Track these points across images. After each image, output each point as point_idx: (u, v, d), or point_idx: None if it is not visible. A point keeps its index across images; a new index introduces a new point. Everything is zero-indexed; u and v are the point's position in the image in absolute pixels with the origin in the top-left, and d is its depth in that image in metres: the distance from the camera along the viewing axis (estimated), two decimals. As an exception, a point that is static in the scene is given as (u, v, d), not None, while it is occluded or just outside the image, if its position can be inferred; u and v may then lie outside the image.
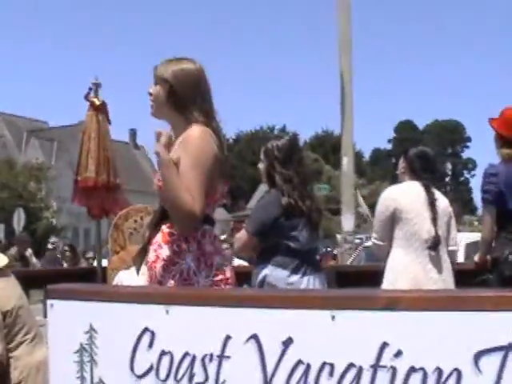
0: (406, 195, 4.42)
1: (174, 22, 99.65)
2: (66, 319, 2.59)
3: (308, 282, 3.92)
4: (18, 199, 35.53)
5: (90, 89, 6.35)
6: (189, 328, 2.29)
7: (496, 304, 1.87)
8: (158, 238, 2.92)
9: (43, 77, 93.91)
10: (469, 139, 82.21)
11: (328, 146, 64.52)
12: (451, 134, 79.10)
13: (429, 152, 4.71)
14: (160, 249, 2.89)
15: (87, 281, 5.60)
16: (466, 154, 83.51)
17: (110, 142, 6.44)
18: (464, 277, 4.42)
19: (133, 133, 65.38)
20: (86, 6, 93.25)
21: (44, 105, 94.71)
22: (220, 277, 2.89)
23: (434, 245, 4.29)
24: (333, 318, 2.03)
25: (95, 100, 6.29)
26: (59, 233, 40.28)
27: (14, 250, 12.31)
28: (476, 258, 4.62)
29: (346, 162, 10.54)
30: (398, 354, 1.93)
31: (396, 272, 4.29)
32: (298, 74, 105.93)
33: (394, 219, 4.37)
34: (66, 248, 14.72)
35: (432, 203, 4.36)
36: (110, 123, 6.41)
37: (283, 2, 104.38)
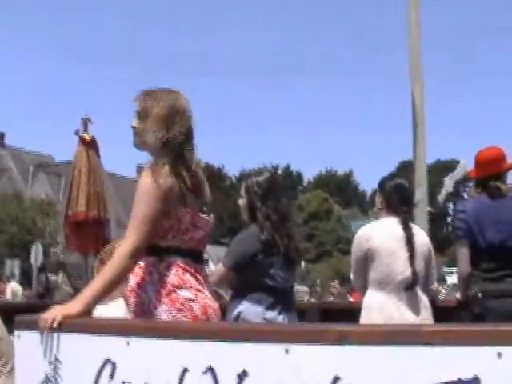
0: (379, 234, 4.28)
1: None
2: (32, 350, 2.63)
3: (283, 321, 3.84)
4: (27, 234, 35.36)
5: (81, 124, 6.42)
6: (148, 360, 2.31)
7: (430, 338, 1.87)
8: None
9: (48, 110, 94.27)
10: (471, 179, 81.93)
11: (332, 186, 64.43)
12: (454, 174, 78.71)
13: (405, 184, 4.60)
14: (129, 280, 2.92)
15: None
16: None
17: (101, 176, 6.49)
18: (447, 314, 4.37)
19: (140, 169, 65.45)
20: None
21: (49, 139, 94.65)
22: (184, 312, 2.81)
23: (410, 285, 4.18)
24: (286, 351, 2.06)
25: (85, 135, 6.36)
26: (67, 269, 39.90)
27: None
28: (457, 295, 4.59)
29: (421, 194, 9.94)
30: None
31: (371, 312, 4.19)
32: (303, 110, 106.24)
33: (367, 260, 4.26)
34: None
35: (409, 240, 4.21)
36: (99, 157, 6.46)
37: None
